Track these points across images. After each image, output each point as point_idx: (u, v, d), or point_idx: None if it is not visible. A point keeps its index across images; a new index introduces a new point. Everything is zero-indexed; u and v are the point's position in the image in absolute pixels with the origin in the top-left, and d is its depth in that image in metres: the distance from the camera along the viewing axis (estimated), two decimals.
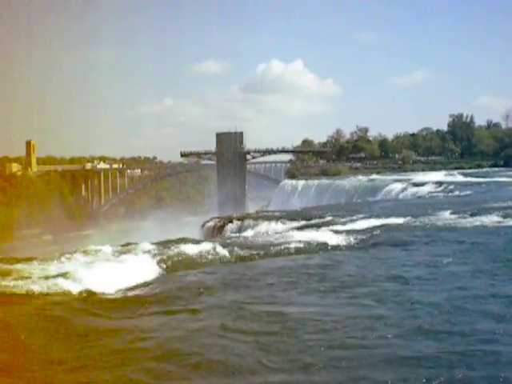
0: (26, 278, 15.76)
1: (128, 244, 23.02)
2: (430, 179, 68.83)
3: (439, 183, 62.03)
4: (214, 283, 16.32)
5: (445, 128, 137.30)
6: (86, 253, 20.46)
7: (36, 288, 14.75)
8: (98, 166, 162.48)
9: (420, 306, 12.86)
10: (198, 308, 13.46)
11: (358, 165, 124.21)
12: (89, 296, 15.03)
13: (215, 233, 39.44)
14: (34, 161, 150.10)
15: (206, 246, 22.20)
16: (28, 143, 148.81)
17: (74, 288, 15.12)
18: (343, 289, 14.96)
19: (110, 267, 17.79)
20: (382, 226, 27.63)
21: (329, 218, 33.73)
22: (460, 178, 73.23)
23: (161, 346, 10.63)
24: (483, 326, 11.40)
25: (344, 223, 30.37)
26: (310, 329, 11.49)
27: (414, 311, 12.52)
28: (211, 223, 42.59)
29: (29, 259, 19.24)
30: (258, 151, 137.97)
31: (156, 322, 12.42)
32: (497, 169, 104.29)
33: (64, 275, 15.87)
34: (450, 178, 73.21)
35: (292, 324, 11.88)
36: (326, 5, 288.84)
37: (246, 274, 17.60)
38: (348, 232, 25.64)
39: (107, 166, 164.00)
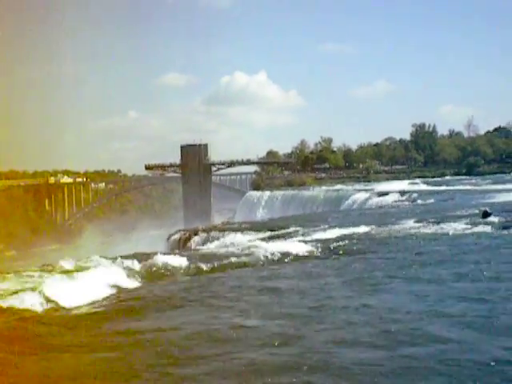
0: None
1: (91, 258, 22.78)
2: (394, 188, 69.54)
3: (403, 192, 62.65)
4: (178, 296, 16.26)
5: (408, 137, 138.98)
6: (49, 268, 20.26)
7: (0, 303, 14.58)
8: (62, 180, 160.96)
9: (356, 311, 12.93)
10: (159, 322, 13.38)
11: (323, 175, 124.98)
12: (52, 311, 14.89)
13: (181, 245, 39.34)
14: None
15: (171, 259, 22.14)
16: None
17: (37, 303, 14.97)
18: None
19: (75, 282, 17.63)
20: (346, 235, 27.81)
21: (294, 229, 33.84)
22: (423, 187, 74.09)
23: (122, 362, 10.55)
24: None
25: (309, 233, 30.49)
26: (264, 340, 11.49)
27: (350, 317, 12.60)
28: (177, 236, 42.49)
29: None
30: (223, 163, 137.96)
31: (116, 338, 12.30)
32: (459, 177, 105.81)
33: (27, 290, 15.69)
34: (413, 187, 74.02)
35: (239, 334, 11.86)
36: (287, 17, 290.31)
37: (208, 286, 17.61)
38: (312, 242, 25.76)
39: (71, 180, 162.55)
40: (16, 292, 15.66)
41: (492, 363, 9.52)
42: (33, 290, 15.86)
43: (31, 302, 14.96)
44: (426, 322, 12.17)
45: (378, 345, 10.81)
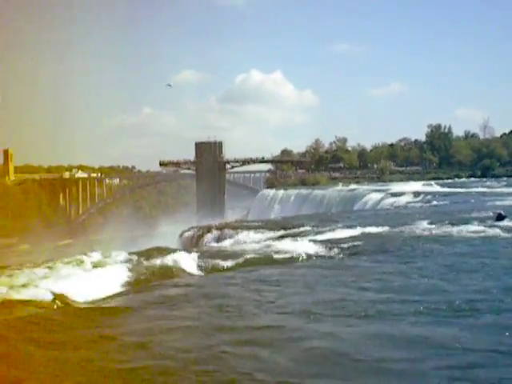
0: (2, 286, 15.63)
1: (105, 254, 22.85)
2: (408, 189, 69.23)
3: (417, 193, 62.34)
4: (191, 294, 16.26)
5: (423, 138, 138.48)
6: (63, 262, 20.33)
7: (12, 297, 14.65)
8: (77, 175, 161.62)
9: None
10: (173, 319, 13.39)
11: (337, 175, 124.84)
12: (66, 305, 14.93)
13: (194, 242, 39.26)
14: (11, 169, 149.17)
15: (183, 256, 22.14)
16: (5, 152, 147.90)
17: (50, 297, 15.02)
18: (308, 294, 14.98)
19: (87, 277, 17.69)
20: (359, 235, 27.75)
21: (307, 228, 33.75)
22: (438, 188, 73.73)
23: (136, 357, 10.56)
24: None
25: (322, 233, 30.40)
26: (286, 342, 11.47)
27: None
28: (190, 233, 42.43)
29: (5, 268, 19.09)
30: (237, 161, 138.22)
31: (130, 333, 12.32)
32: (474, 179, 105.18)
33: (40, 284, 15.75)
34: (427, 188, 73.67)
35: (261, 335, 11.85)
36: (303, 16, 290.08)
37: (221, 285, 17.59)
38: (326, 242, 25.66)
39: (85, 175, 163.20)
40: (27, 285, 15.72)
41: None
42: (44, 283, 15.91)
43: (43, 296, 15.00)
44: (435, 323, 12.14)
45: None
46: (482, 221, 30.07)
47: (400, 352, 10.54)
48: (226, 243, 30.95)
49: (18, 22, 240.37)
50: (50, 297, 15.13)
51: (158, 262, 21.35)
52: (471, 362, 9.85)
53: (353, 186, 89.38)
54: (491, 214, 32.47)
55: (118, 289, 17.24)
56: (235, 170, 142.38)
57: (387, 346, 10.94)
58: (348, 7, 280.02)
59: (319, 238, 27.95)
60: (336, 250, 23.54)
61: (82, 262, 20.34)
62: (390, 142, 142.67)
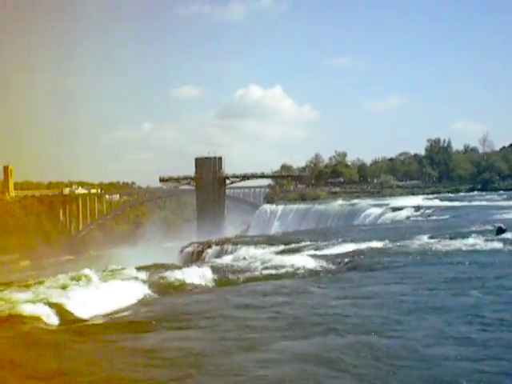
0: (4, 302, 15.65)
1: (107, 269, 22.89)
2: (408, 204, 69.25)
3: (417, 207, 62.41)
4: (193, 309, 16.31)
5: (422, 152, 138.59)
6: (64, 278, 20.36)
7: (15, 312, 14.69)
8: (76, 191, 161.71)
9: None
10: (174, 332, 13.44)
11: (337, 189, 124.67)
12: (69, 321, 14.99)
13: (194, 258, 39.33)
14: (11, 185, 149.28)
15: (185, 272, 22.19)
16: (5, 168, 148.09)
17: (51, 313, 15.05)
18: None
19: (88, 293, 17.70)
20: (359, 250, 27.77)
21: (308, 243, 33.79)
22: (438, 203, 73.67)
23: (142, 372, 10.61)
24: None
25: (322, 248, 30.45)
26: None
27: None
28: (190, 248, 42.51)
29: (6, 284, 19.13)
30: (237, 176, 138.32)
31: (127, 351, 12.36)
32: (474, 193, 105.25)
33: (40, 300, 15.76)
34: (427, 203, 73.63)
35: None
36: (302, 31, 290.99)
37: (222, 299, 17.63)
38: (325, 257, 25.73)
39: (85, 191, 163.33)
40: (29, 302, 15.73)
41: None
42: (46, 299, 15.93)
43: (45, 312, 15.04)
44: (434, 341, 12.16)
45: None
46: (482, 234, 30.09)
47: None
48: (227, 259, 30.95)
49: (14, 35, 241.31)
50: (52, 312, 15.15)
51: (160, 277, 21.41)
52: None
53: (353, 201, 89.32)
54: (491, 227, 32.48)
55: (120, 305, 17.23)
56: (235, 185, 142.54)
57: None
58: (347, 21, 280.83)
59: (319, 253, 28.03)
60: (335, 265, 23.62)
61: (85, 277, 20.34)
62: (389, 157, 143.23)
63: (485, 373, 10.09)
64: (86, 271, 21.07)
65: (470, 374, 10.06)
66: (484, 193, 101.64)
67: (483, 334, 12.36)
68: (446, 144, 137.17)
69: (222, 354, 11.66)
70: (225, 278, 21.63)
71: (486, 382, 9.73)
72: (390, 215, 60.28)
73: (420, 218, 52.79)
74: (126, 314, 16.09)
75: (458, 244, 27.53)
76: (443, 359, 10.86)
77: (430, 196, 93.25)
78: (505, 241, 27.31)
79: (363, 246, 29.45)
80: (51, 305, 15.57)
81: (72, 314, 15.44)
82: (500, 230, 30.14)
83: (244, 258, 29.34)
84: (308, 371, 10.43)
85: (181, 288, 20.44)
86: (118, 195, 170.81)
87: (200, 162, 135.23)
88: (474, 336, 12.24)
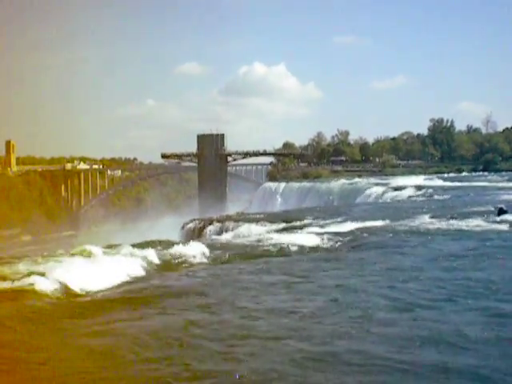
0: (5, 277, 15.71)
1: (108, 245, 22.90)
2: (410, 183, 69.29)
3: (419, 187, 62.41)
4: (192, 285, 16.36)
5: (425, 132, 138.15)
6: (67, 253, 20.41)
7: (15, 287, 14.74)
8: (78, 167, 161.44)
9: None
10: (174, 310, 13.48)
11: (339, 168, 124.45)
12: (69, 296, 15.02)
13: (195, 235, 39.38)
14: (13, 160, 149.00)
15: (186, 248, 22.19)
16: (7, 143, 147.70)
17: (49, 287, 15.08)
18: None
19: (87, 268, 17.70)
20: (360, 229, 27.78)
21: (309, 221, 33.86)
22: (439, 183, 73.68)
23: (138, 348, 10.65)
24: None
25: (324, 226, 30.49)
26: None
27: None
28: (191, 225, 42.58)
29: (8, 259, 19.18)
30: (239, 153, 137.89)
31: (131, 323, 12.41)
32: (476, 173, 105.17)
33: (39, 274, 15.78)
34: (429, 182, 73.62)
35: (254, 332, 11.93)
36: (307, 9, 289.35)
37: (223, 277, 17.65)
38: (327, 234, 25.73)
39: (87, 167, 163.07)
40: (29, 275, 15.74)
41: None
42: (45, 274, 15.94)
43: (43, 286, 15.04)
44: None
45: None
46: (483, 215, 30.11)
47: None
48: (228, 236, 31.02)
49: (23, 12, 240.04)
50: (50, 287, 15.18)
51: (160, 253, 21.43)
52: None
53: (355, 180, 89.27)
54: (493, 208, 32.48)
55: (118, 281, 17.25)
56: (237, 162, 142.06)
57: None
58: (351, 0, 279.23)
59: (320, 230, 28.01)
60: (336, 244, 23.60)
61: (86, 252, 20.35)
62: (392, 136, 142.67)
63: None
64: (87, 247, 21.07)
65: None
66: (486, 173, 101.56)
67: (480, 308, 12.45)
68: (449, 124, 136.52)
69: (216, 331, 11.70)
70: (224, 256, 21.64)
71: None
72: (391, 194, 60.32)
73: (421, 198, 52.76)
74: (125, 289, 16.10)
75: (458, 224, 27.55)
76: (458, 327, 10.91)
77: (432, 176, 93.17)
78: (506, 221, 27.34)
79: (365, 224, 29.47)
80: (51, 279, 15.58)
81: (71, 289, 15.46)
82: (501, 211, 30.14)
83: (245, 236, 29.40)
84: (314, 352, 10.47)
85: (179, 265, 20.41)
86: (119, 171, 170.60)
87: (202, 139, 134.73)
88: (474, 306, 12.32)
